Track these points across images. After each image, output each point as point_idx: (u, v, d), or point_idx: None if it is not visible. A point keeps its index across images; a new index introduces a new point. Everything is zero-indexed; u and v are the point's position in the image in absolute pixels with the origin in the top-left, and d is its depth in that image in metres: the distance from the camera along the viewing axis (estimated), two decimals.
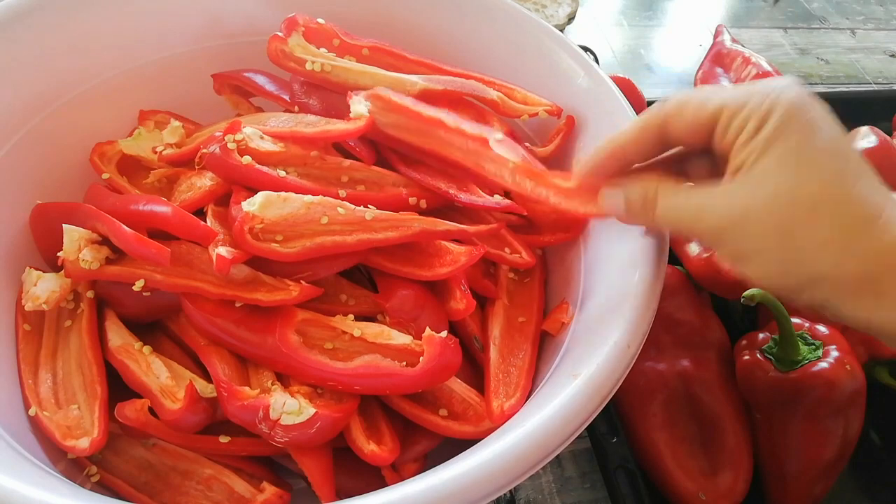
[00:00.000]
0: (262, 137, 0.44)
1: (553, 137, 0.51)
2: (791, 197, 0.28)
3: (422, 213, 0.45)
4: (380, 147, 0.47)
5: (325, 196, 0.41)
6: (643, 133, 0.34)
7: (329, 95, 0.49)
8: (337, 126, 0.45)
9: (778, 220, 0.28)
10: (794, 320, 0.51)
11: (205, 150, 0.43)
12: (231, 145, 0.42)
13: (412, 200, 0.45)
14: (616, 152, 0.36)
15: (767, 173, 0.28)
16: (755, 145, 0.29)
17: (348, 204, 0.41)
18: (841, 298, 0.28)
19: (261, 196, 0.39)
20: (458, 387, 0.43)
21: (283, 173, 0.43)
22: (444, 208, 0.47)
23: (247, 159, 0.42)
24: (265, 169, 0.42)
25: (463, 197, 0.46)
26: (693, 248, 0.56)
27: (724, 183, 0.31)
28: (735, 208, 0.29)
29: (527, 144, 0.52)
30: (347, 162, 0.46)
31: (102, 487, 0.40)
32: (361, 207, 0.42)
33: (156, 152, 0.49)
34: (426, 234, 0.42)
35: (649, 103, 0.70)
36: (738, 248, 0.30)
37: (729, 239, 0.30)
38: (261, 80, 0.52)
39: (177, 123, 0.51)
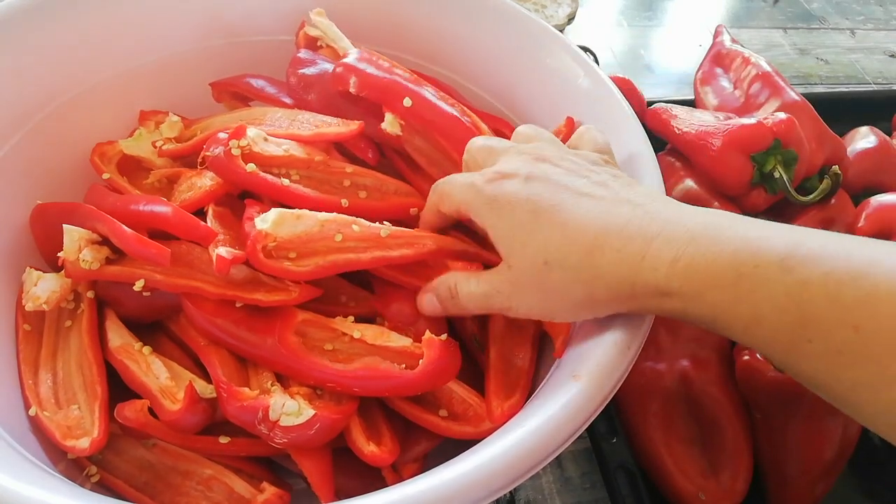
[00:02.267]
0: (265, 139, 0.44)
1: None
2: (527, 277, 0.36)
3: None
4: (384, 149, 0.47)
5: (338, 213, 0.41)
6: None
7: (328, 91, 0.48)
8: (331, 128, 0.45)
9: (532, 290, 0.36)
10: None
11: (208, 153, 0.43)
12: (235, 151, 0.42)
13: (413, 211, 0.45)
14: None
15: (509, 263, 0.37)
16: (493, 241, 0.37)
17: (363, 221, 0.41)
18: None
19: (274, 213, 0.39)
20: (458, 387, 0.43)
21: (286, 181, 0.43)
22: None
23: (251, 167, 0.42)
24: (269, 177, 0.42)
25: None
26: None
27: (497, 268, 0.38)
28: (506, 289, 0.37)
29: None
30: (351, 167, 0.45)
31: (102, 487, 0.40)
32: (377, 224, 0.41)
33: (155, 146, 0.49)
34: (441, 253, 0.42)
35: (649, 103, 0.70)
36: (518, 311, 0.38)
37: (511, 309, 0.38)
38: (259, 83, 0.52)
39: (175, 118, 0.50)
